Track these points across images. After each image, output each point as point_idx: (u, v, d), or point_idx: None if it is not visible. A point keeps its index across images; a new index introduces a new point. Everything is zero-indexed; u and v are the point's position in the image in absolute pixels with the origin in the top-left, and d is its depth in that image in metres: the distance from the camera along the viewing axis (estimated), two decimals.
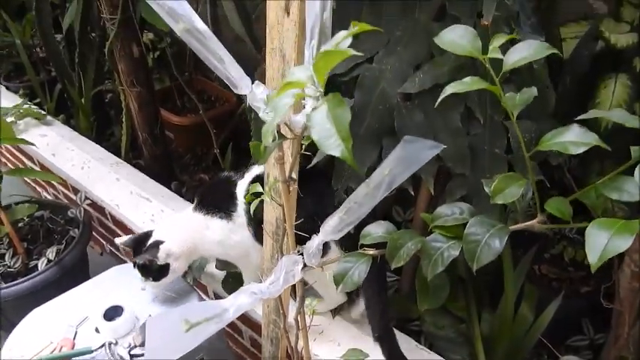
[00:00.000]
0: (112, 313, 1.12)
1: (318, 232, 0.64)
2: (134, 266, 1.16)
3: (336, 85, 1.06)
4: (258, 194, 0.69)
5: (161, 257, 1.13)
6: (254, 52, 1.42)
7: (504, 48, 0.56)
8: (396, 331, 1.21)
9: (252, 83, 0.58)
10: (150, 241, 1.16)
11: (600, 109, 1.38)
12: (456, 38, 0.55)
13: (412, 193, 1.02)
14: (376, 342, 1.10)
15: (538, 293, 1.28)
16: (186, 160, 2.26)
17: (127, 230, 1.79)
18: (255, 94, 0.58)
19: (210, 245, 1.18)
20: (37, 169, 2.17)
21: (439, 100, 0.56)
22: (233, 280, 1.36)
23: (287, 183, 0.64)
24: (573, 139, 0.51)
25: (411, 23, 1.01)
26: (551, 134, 0.53)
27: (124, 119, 1.99)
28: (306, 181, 0.91)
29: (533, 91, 0.55)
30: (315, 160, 1.03)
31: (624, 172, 0.48)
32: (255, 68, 1.24)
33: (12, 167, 2.43)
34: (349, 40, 0.44)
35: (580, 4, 1.63)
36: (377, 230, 0.60)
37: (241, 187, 1.15)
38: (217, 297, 1.52)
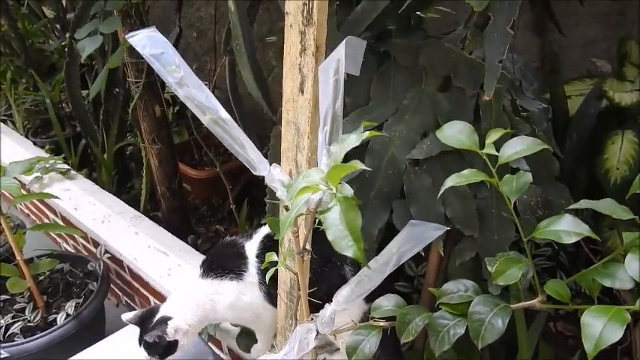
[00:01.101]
0: None
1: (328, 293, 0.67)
2: (140, 344, 1.13)
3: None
4: (274, 263, 0.72)
5: (170, 334, 1.11)
6: (270, 114, 1.50)
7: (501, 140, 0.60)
8: None
9: (270, 165, 0.63)
10: (157, 317, 1.15)
11: (608, 165, 1.42)
12: (455, 133, 0.60)
13: (422, 254, 1.04)
14: None
15: (554, 352, 1.27)
16: (202, 212, 2.32)
17: (143, 283, 1.83)
18: (272, 175, 0.63)
19: (221, 311, 1.18)
20: (60, 221, 2.25)
21: (440, 193, 0.60)
22: (247, 336, 1.38)
23: (301, 254, 0.68)
24: (566, 228, 0.54)
25: (417, 93, 1.07)
26: (546, 222, 0.57)
27: (144, 174, 2.07)
28: (318, 240, 0.95)
29: (528, 176, 0.59)
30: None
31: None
32: (271, 129, 1.31)
33: (36, 219, 2.51)
34: (359, 141, 0.49)
35: (584, 63, 1.70)
36: (387, 304, 0.63)
37: (251, 247, 1.18)
38: (231, 352, 1.53)
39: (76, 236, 2.19)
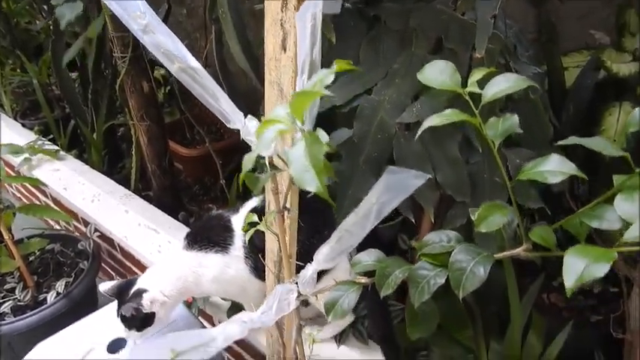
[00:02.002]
0: (116, 345, 1.12)
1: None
2: (117, 316, 1.10)
3: (335, 116, 1.08)
4: (254, 224, 0.70)
5: (146, 306, 1.08)
6: (259, 86, 1.47)
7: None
8: None
9: (246, 117, 0.60)
10: (133, 289, 1.12)
11: (605, 137, 1.39)
12: (436, 73, 0.57)
13: (413, 221, 1.02)
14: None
15: (547, 323, 1.26)
16: (194, 191, 2.30)
17: (135, 261, 1.81)
18: (248, 128, 0.60)
19: (205, 284, 1.16)
20: (50, 202, 2.22)
21: (418, 133, 0.57)
22: (237, 311, 1.36)
23: (281, 213, 0.66)
24: (551, 168, 0.51)
25: (408, 56, 1.04)
26: (532, 164, 0.54)
27: (134, 152, 2.03)
28: (307, 211, 0.92)
29: (515, 119, 0.56)
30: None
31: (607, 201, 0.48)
32: (260, 102, 1.27)
33: (26, 200, 2.48)
34: (332, 77, 0.46)
35: (581, 34, 1.66)
36: (367, 258, 0.61)
37: (237, 220, 1.15)
38: None
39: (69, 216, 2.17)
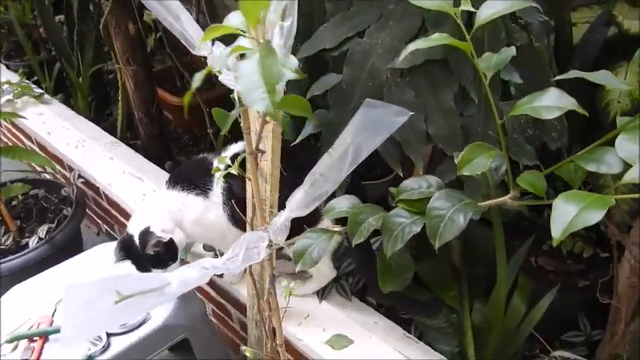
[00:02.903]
0: None
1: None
2: (140, 268, 1.09)
3: (324, 59, 1.01)
4: (226, 167, 0.65)
5: (162, 235, 1.09)
6: None
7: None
8: (385, 320, 1.18)
9: (213, 43, 0.54)
10: (137, 237, 1.10)
11: (609, 97, 1.32)
12: None
13: (401, 175, 0.97)
14: None
15: (534, 286, 1.24)
16: (184, 141, 2.24)
17: (120, 210, 1.77)
18: (215, 55, 0.54)
19: (188, 225, 1.14)
20: (35, 146, 2.16)
21: (401, 57, 0.51)
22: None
23: (253, 155, 0.61)
24: (548, 103, 0.46)
25: None
26: (528, 98, 0.48)
27: (120, 98, 1.96)
28: (291, 158, 0.87)
29: (511, 51, 0.50)
30: (300, 137, 0.99)
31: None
32: None
33: (10, 144, 2.42)
34: None
35: None
36: (341, 205, 0.56)
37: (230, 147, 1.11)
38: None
39: (52, 161, 2.12)
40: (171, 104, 2.17)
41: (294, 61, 0.45)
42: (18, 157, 1.65)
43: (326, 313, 1.18)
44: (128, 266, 1.11)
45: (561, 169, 0.47)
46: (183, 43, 0.55)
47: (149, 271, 1.11)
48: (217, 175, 1.08)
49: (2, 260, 1.57)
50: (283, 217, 0.60)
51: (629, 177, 0.37)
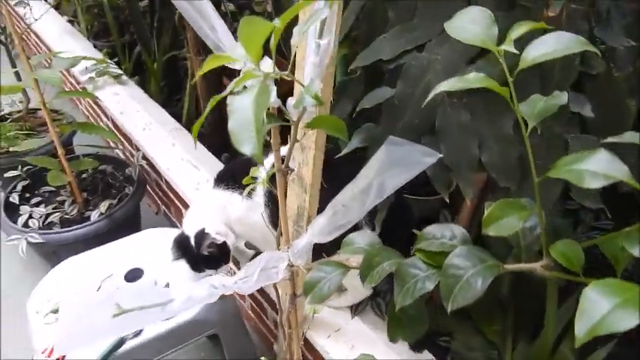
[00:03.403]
0: (134, 274, 1.14)
1: None
2: (195, 267, 1.12)
3: (381, 73, 0.97)
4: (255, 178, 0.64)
5: (217, 237, 1.11)
6: None
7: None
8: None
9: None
10: (192, 238, 1.13)
11: None
12: (467, 22, 0.45)
13: (447, 200, 0.91)
14: None
15: None
16: None
17: (176, 194, 1.84)
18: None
19: (233, 223, 1.15)
20: (109, 123, 2.30)
21: (428, 99, 0.46)
22: None
23: (282, 172, 0.59)
24: (594, 168, 0.39)
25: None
26: (572, 158, 0.42)
27: (188, 87, 2.02)
28: (333, 173, 0.85)
29: (562, 98, 0.44)
30: (345, 150, 0.96)
31: None
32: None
33: (92, 120, 2.59)
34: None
35: None
36: (360, 241, 0.53)
37: (265, 166, 1.10)
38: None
39: (123, 140, 2.24)
40: None
41: (316, 85, 0.42)
42: (88, 131, 1.75)
43: (357, 330, 1.15)
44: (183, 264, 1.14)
45: (605, 243, 0.40)
46: (216, 51, 0.54)
47: (202, 270, 1.13)
48: (259, 177, 1.09)
49: (67, 229, 1.68)
50: (304, 241, 0.58)
51: None
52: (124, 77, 2.28)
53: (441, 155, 0.43)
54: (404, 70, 0.90)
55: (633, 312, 0.31)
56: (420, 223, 1.31)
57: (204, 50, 1.84)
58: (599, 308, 0.32)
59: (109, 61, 2.31)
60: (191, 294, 0.53)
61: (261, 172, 1.10)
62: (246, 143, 0.32)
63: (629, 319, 0.31)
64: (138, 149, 1.98)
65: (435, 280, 0.46)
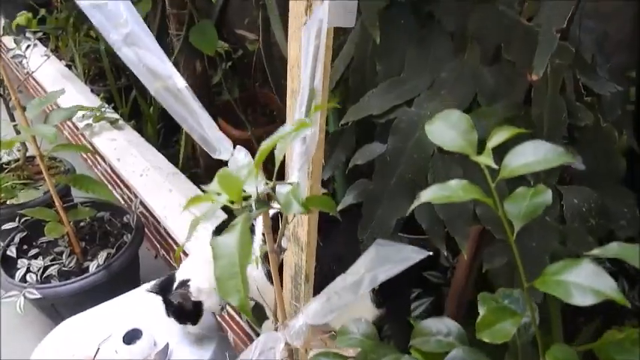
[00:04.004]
0: (132, 335, 1.12)
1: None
2: (166, 310, 1.14)
3: (372, 124, 0.98)
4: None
5: (193, 292, 1.11)
6: None
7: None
8: None
9: (234, 148, 0.53)
10: (176, 283, 1.14)
11: None
12: (445, 128, 0.45)
13: (445, 254, 0.91)
14: None
15: None
16: None
17: (175, 240, 1.83)
18: (236, 159, 0.52)
19: None
20: (107, 167, 2.30)
21: (412, 207, 0.46)
22: (259, 311, 1.32)
23: (275, 253, 0.58)
24: (581, 281, 0.38)
25: (459, 65, 0.90)
26: (557, 266, 0.41)
27: (183, 130, 2.03)
28: (328, 236, 0.85)
29: (547, 196, 0.43)
30: (339, 207, 0.96)
31: None
32: None
33: (90, 162, 2.60)
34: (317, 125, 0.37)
35: None
36: (355, 330, 0.52)
37: (260, 222, 1.10)
38: (249, 323, 1.49)
39: (121, 185, 2.24)
40: (231, 136, 2.22)
41: (302, 193, 0.42)
42: (85, 188, 1.75)
43: None
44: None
45: (601, 347, 0.40)
46: (203, 147, 0.55)
47: (170, 316, 1.13)
48: (259, 232, 1.09)
49: (65, 283, 1.67)
50: (300, 322, 0.57)
51: None
52: (121, 122, 2.30)
53: (430, 253, 0.43)
54: (394, 125, 0.90)
55: None
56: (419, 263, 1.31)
57: (198, 96, 1.85)
58: None
59: (106, 106, 2.34)
60: None
61: (255, 247, 1.11)
62: (232, 294, 0.32)
63: None
64: (136, 196, 1.98)
65: None
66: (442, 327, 0.49)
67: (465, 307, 1.20)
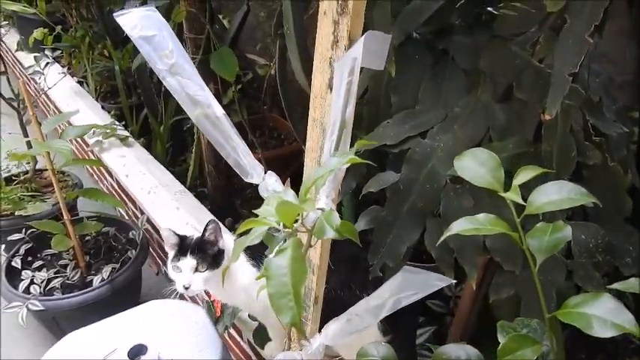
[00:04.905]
0: (137, 351, 1.12)
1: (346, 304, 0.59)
2: (191, 252, 1.15)
3: (384, 152, 1.01)
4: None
5: (221, 242, 1.14)
6: None
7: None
8: None
9: (265, 173, 0.56)
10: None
11: None
12: (476, 165, 0.48)
13: (453, 282, 0.93)
14: None
15: None
16: (248, 194, 2.30)
17: None
18: (266, 184, 0.55)
19: (237, 289, 1.16)
20: (114, 184, 2.33)
21: (442, 238, 0.49)
22: (263, 332, 1.33)
23: None
24: (601, 314, 0.41)
25: (472, 101, 0.94)
26: (578, 299, 0.44)
27: (193, 151, 2.07)
28: (339, 261, 0.87)
29: (567, 233, 0.46)
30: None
31: None
32: None
33: (97, 178, 2.63)
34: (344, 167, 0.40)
35: None
36: (374, 353, 0.54)
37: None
38: (250, 344, 1.49)
39: (127, 201, 2.26)
40: None
41: (336, 219, 0.45)
42: (95, 197, 1.78)
43: None
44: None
45: None
46: (237, 171, 0.57)
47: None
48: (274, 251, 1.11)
49: (67, 296, 1.67)
50: (318, 343, 0.59)
51: None
52: (131, 139, 2.34)
53: (452, 281, 0.45)
54: (408, 156, 0.93)
55: None
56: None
57: None
58: None
59: (117, 124, 2.38)
60: None
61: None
62: (285, 311, 0.34)
63: None
64: (142, 212, 2.00)
65: None
66: (462, 353, 0.51)
67: (468, 336, 1.22)
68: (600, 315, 0.40)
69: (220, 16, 2.33)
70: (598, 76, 1.05)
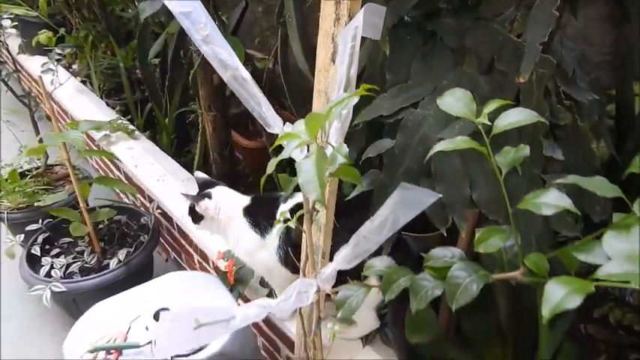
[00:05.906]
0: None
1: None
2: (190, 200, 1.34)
3: (380, 125, 1.12)
4: (286, 220, 0.76)
5: (201, 206, 1.29)
6: None
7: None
8: None
9: (284, 124, 0.67)
10: (206, 190, 1.32)
11: None
12: (454, 101, 0.60)
13: (445, 234, 1.04)
14: None
15: (580, 354, 1.23)
16: (250, 181, 2.41)
17: (189, 241, 1.95)
18: (285, 132, 0.66)
19: (240, 250, 1.29)
20: (122, 176, 2.43)
21: (428, 155, 0.60)
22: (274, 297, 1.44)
23: (310, 213, 0.72)
24: (547, 201, 0.53)
25: (458, 74, 1.06)
26: (532, 194, 0.56)
27: (199, 139, 2.18)
28: (344, 214, 0.98)
29: (526, 150, 0.58)
30: (354, 193, 1.10)
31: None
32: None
33: (102, 173, 2.73)
34: (354, 100, 0.51)
35: None
36: (379, 264, 0.65)
37: (282, 210, 1.23)
38: None
39: (136, 191, 2.37)
40: (242, 146, 2.37)
41: (345, 149, 0.56)
42: (109, 184, 1.89)
43: (369, 357, 1.25)
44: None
45: (562, 253, 0.53)
46: (261, 122, 0.68)
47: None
48: (278, 223, 1.22)
49: (86, 278, 1.78)
50: (331, 268, 0.70)
51: (603, 272, 0.44)
52: (137, 132, 2.44)
53: (440, 195, 0.57)
54: (402, 124, 1.05)
55: (578, 296, 0.44)
56: (420, 259, 1.44)
57: (214, 107, 2.00)
58: (556, 294, 0.45)
59: (122, 118, 2.48)
60: (246, 312, 0.64)
61: (287, 214, 1.24)
62: (312, 192, 0.46)
63: (575, 300, 0.44)
64: (152, 200, 2.11)
65: (441, 288, 0.59)
66: (448, 252, 0.63)
67: None
68: (546, 201, 0.52)
69: (219, 13, 2.44)
70: (572, 51, 1.17)
